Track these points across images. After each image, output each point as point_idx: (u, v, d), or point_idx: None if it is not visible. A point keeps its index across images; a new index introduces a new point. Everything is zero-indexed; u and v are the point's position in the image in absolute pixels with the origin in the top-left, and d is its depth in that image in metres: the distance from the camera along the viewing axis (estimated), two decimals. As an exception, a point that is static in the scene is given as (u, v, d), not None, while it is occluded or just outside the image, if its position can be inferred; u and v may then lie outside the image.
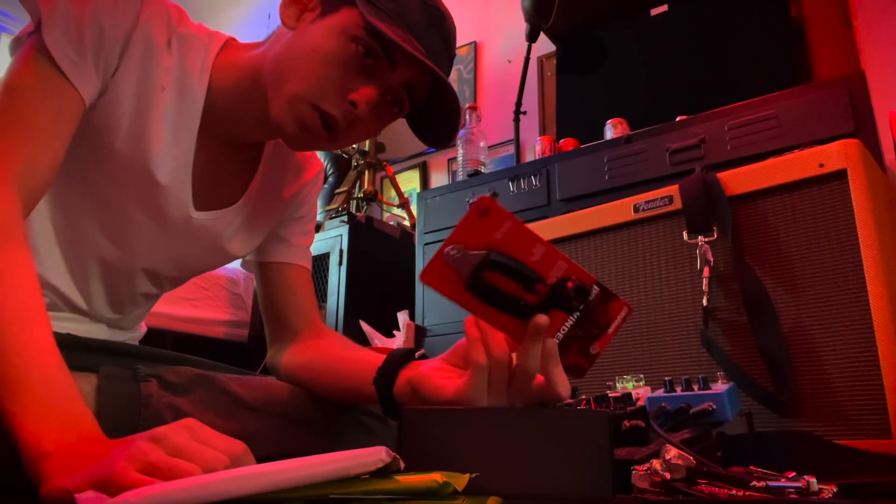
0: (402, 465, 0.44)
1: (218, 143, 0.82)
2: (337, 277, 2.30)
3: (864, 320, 0.90)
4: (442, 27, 0.76)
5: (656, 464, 0.53)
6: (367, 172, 2.72)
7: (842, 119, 1.44)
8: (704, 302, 1.03)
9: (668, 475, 0.53)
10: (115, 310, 0.87)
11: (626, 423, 0.68)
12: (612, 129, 2.02)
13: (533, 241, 0.54)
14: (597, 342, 0.58)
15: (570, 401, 0.77)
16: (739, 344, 1.01)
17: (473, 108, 2.41)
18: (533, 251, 0.55)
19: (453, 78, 3.00)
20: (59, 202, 0.76)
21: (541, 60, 2.76)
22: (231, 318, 2.50)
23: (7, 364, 0.50)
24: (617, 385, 0.87)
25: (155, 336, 2.02)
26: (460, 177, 2.29)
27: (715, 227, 1.05)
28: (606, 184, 1.77)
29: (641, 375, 0.90)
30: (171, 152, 0.77)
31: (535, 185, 1.95)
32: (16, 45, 0.69)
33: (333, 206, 2.52)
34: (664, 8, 2.19)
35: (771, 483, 0.50)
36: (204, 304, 2.41)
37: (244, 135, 0.84)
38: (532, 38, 2.42)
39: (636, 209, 1.15)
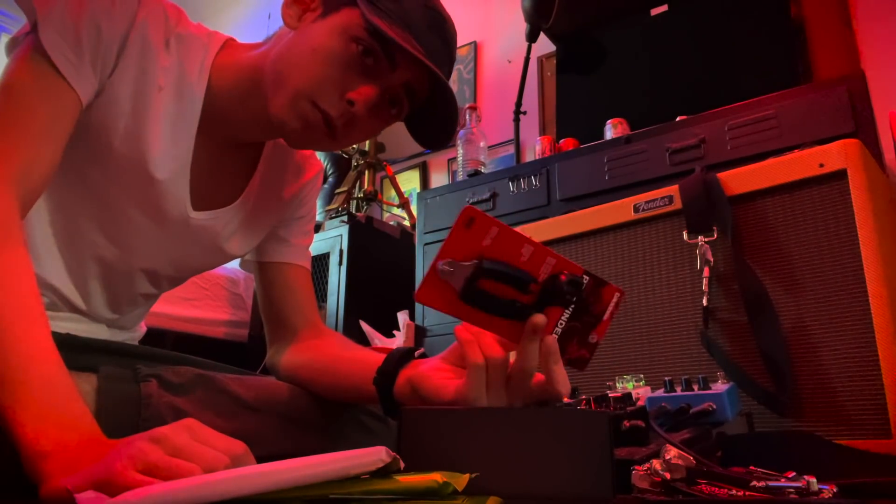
0: (402, 465, 0.44)
1: (217, 143, 0.82)
2: (337, 277, 2.30)
3: (864, 320, 0.89)
4: (443, 30, 0.77)
5: (656, 464, 0.53)
6: (367, 172, 2.72)
7: (842, 119, 1.44)
8: (704, 302, 1.03)
9: (668, 475, 0.53)
10: (113, 310, 0.87)
11: (626, 423, 0.68)
12: (612, 129, 2.02)
13: (520, 242, 0.55)
14: (594, 331, 0.59)
15: (569, 400, 0.77)
16: (739, 344, 1.01)
17: (473, 108, 2.41)
18: (522, 252, 0.55)
19: (453, 78, 3.00)
20: (57, 202, 0.76)
21: (541, 60, 2.76)
22: (231, 318, 2.50)
23: (6, 364, 0.50)
24: (617, 385, 0.87)
25: (155, 336, 2.02)
26: (460, 177, 2.29)
27: (715, 227, 1.05)
28: (606, 184, 1.77)
29: (641, 375, 0.90)
30: (169, 152, 0.77)
31: (535, 185, 1.95)
32: (12, 45, 0.69)
33: (333, 206, 2.52)
34: (664, 8, 2.19)
35: (771, 483, 0.50)
36: (204, 304, 2.41)
37: (243, 135, 0.84)
38: (532, 38, 2.42)
39: (636, 209, 1.15)
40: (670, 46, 2.15)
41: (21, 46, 0.67)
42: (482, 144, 2.34)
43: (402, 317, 2.03)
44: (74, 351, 0.62)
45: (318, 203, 2.50)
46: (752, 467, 0.57)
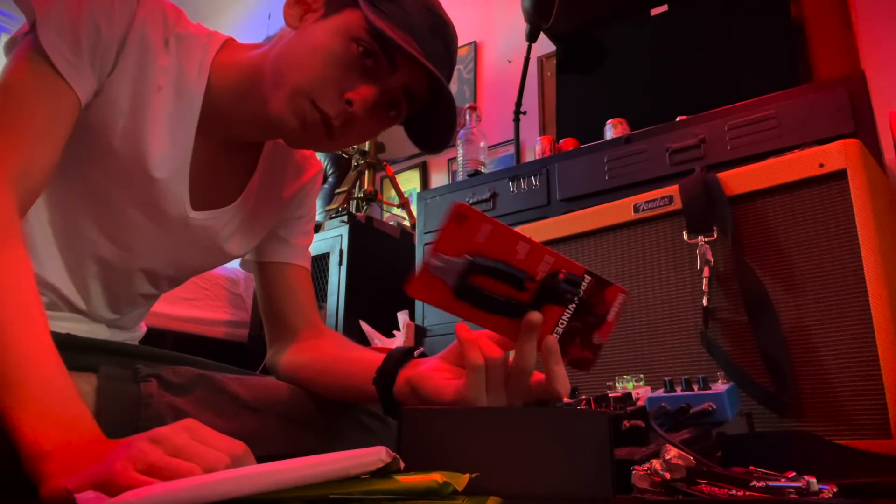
0: (402, 465, 0.44)
1: (216, 143, 0.82)
2: (337, 277, 2.30)
3: (864, 320, 0.90)
4: (444, 34, 0.77)
5: (656, 464, 0.53)
6: (367, 172, 2.72)
7: (842, 119, 1.44)
8: (704, 302, 1.03)
9: (668, 475, 0.53)
10: (113, 310, 0.87)
11: (626, 423, 0.68)
12: (612, 129, 2.02)
13: (516, 239, 0.54)
14: (598, 332, 0.58)
15: (569, 400, 0.77)
16: (739, 344, 1.01)
17: (473, 108, 2.41)
18: (517, 249, 0.55)
19: (453, 78, 3.00)
20: (57, 202, 0.76)
21: (541, 60, 2.76)
22: (231, 318, 2.50)
23: (6, 364, 0.50)
24: (617, 385, 0.87)
25: (155, 336, 2.02)
26: (460, 177, 2.29)
27: (715, 227, 1.05)
28: (606, 184, 1.77)
29: (641, 375, 0.90)
30: (168, 151, 0.77)
31: (535, 185, 1.94)
32: (11, 45, 0.69)
33: (333, 206, 2.52)
34: (664, 8, 2.19)
35: (771, 483, 0.50)
36: (204, 304, 2.41)
37: (243, 134, 0.84)
38: (532, 38, 2.42)
39: (636, 209, 1.15)
40: (670, 46, 2.15)
41: (20, 46, 0.67)
42: (482, 144, 2.34)
43: (402, 317, 2.03)
44: (74, 351, 0.62)
45: (318, 203, 2.51)
46: (752, 467, 0.57)
